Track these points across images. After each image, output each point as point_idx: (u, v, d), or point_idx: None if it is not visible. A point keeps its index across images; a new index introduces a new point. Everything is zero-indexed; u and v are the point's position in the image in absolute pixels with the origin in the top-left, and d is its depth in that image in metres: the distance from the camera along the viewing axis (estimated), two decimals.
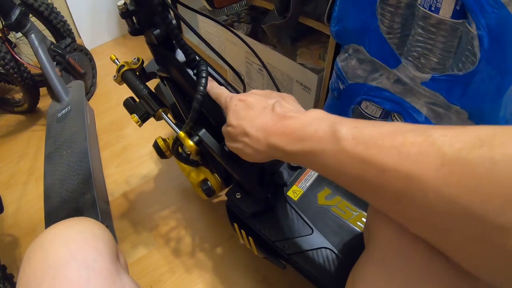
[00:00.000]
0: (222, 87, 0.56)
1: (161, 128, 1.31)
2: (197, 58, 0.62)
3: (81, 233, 0.46)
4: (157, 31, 0.60)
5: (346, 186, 0.34)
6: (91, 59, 1.53)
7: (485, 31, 0.49)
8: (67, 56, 1.32)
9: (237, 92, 0.64)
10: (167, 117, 0.67)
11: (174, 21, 0.58)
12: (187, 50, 0.60)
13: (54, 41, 1.43)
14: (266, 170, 0.67)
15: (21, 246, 1.04)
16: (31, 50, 1.23)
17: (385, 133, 0.29)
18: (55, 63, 1.26)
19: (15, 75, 1.24)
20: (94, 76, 1.57)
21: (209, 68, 0.62)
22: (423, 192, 0.25)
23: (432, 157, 0.25)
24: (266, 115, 0.42)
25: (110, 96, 1.54)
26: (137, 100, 0.71)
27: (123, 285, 0.45)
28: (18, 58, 1.25)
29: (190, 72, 0.63)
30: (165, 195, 1.09)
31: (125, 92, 0.73)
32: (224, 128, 0.50)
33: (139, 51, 1.79)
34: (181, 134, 0.60)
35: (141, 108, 0.69)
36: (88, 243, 0.45)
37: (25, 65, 1.29)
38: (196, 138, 0.60)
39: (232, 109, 0.47)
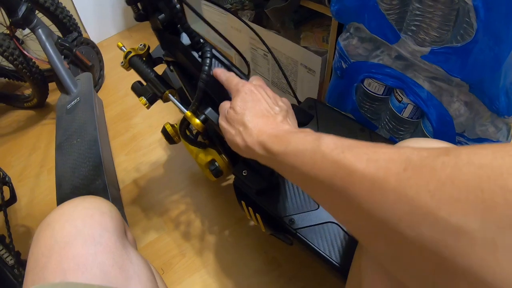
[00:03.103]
0: (232, 72, 0.58)
1: (169, 116, 1.33)
2: (202, 41, 0.64)
3: (87, 210, 0.47)
4: (161, 16, 0.62)
5: (314, 191, 0.35)
6: (98, 52, 1.55)
7: (480, 2, 0.49)
8: (74, 50, 1.34)
9: (244, 75, 0.66)
10: (174, 98, 0.69)
11: (178, 5, 0.59)
12: (191, 33, 0.61)
13: (61, 35, 1.45)
14: None
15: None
16: (39, 46, 1.25)
17: (362, 145, 0.31)
18: (63, 56, 1.28)
19: (24, 70, 1.26)
20: (101, 68, 1.59)
21: (213, 50, 0.63)
22: (384, 194, 0.25)
23: (398, 163, 0.26)
24: (269, 117, 0.47)
25: (118, 88, 1.56)
26: (145, 83, 0.73)
27: (130, 259, 0.46)
28: (26, 54, 1.27)
29: (195, 54, 0.65)
30: (174, 181, 1.11)
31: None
32: (225, 106, 0.52)
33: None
34: (188, 113, 0.62)
35: (149, 91, 0.71)
36: (94, 219, 0.45)
37: (33, 60, 1.31)
38: (203, 116, 0.61)
39: (242, 95, 0.50)
